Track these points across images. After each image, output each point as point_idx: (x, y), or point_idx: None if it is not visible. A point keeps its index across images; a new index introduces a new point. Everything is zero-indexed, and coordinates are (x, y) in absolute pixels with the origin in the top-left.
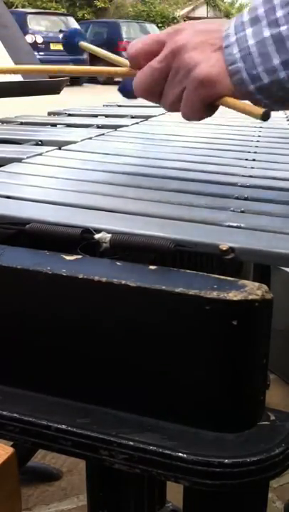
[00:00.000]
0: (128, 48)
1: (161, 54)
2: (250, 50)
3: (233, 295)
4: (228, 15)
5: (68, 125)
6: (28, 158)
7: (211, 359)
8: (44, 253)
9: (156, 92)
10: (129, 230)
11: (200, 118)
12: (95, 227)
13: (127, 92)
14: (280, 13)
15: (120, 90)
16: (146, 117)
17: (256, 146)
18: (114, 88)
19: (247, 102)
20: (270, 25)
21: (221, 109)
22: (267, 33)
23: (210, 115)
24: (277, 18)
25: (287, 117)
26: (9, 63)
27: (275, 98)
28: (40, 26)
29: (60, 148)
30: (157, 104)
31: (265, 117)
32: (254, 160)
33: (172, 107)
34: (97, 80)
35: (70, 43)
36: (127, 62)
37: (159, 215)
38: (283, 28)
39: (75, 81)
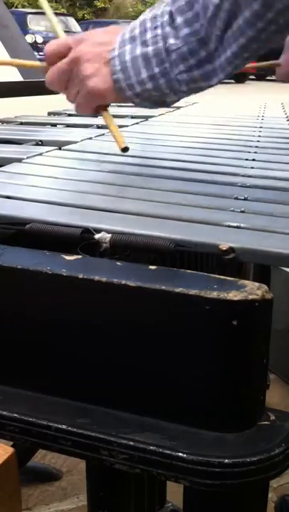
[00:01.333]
0: (46, 47)
1: (66, 59)
2: (127, 65)
3: (233, 295)
4: None
5: (68, 125)
6: (28, 158)
7: (211, 359)
8: (44, 253)
9: (62, 87)
10: (129, 230)
11: (89, 113)
12: (95, 227)
13: None
14: (148, 35)
15: None
16: (146, 117)
17: (256, 146)
18: None
19: (116, 130)
20: (142, 44)
21: (222, 109)
22: (138, 51)
23: (96, 113)
24: (146, 40)
25: (287, 117)
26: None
27: (151, 101)
28: (40, 26)
29: (60, 148)
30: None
31: (124, 151)
32: (254, 160)
33: (72, 102)
34: None
35: None
36: (39, 64)
37: (159, 215)
38: (150, 49)
39: None
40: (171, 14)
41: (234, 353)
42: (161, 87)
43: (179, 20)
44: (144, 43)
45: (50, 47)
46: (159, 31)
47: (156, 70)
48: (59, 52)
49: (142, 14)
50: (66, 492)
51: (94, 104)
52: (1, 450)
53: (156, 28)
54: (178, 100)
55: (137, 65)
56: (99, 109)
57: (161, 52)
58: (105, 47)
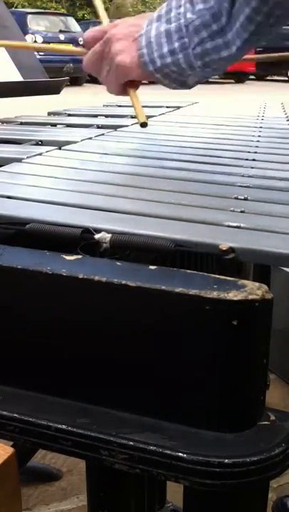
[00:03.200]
0: (84, 34)
1: (101, 41)
2: (151, 40)
3: (233, 295)
4: None
5: (68, 125)
6: (28, 158)
7: (211, 359)
8: (44, 253)
9: (96, 68)
10: (129, 230)
11: (117, 93)
12: (95, 227)
13: None
14: (173, 13)
15: None
16: (147, 117)
17: (256, 146)
18: None
19: (139, 107)
20: (166, 22)
21: (222, 109)
22: (162, 27)
23: (124, 94)
24: (170, 17)
25: (287, 117)
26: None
27: (171, 79)
28: (40, 26)
29: (60, 148)
30: (157, 105)
31: (142, 125)
32: (254, 160)
33: (104, 82)
34: (98, 80)
35: None
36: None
37: (159, 215)
38: (172, 25)
39: (75, 81)
40: None
41: (234, 353)
42: (179, 62)
43: None
44: (168, 21)
45: (89, 33)
46: (182, 9)
47: (176, 44)
48: (96, 37)
49: None
50: (66, 492)
51: (122, 80)
52: (1, 450)
53: (180, 6)
54: (197, 81)
55: (159, 41)
56: (127, 88)
57: (182, 28)
58: (136, 27)
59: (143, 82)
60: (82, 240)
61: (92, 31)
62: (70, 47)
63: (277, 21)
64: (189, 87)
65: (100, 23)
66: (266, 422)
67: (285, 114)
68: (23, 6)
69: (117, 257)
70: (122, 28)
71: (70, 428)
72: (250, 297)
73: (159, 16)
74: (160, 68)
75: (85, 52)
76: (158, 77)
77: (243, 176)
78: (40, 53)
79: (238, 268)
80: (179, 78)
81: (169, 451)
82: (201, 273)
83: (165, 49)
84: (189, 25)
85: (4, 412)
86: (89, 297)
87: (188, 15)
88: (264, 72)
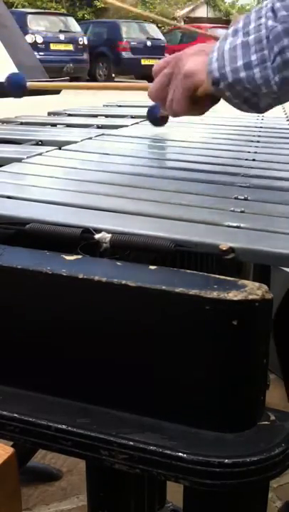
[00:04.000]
0: (154, 66)
1: (169, 65)
2: (224, 54)
3: (233, 295)
4: (228, 15)
5: (68, 125)
6: (28, 158)
7: (211, 359)
8: (44, 253)
9: (164, 95)
10: (129, 230)
11: (186, 112)
12: (95, 227)
13: (155, 119)
14: (252, 25)
15: (149, 119)
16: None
17: (256, 146)
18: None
19: None
20: (244, 34)
21: (221, 109)
22: (239, 40)
23: (194, 112)
24: (249, 30)
25: (287, 117)
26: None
27: (242, 98)
28: (40, 26)
29: (60, 148)
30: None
31: None
32: (254, 160)
33: (170, 107)
34: (97, 80)
35: (151, 116)
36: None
37: (159, 215)
38: (251, 37)
39: (75, 81)
40: (273, 3)
41: (234, 353)
42: (254, 77)
43: (278, 4)
44: (247, 33)
45: (157, 64)
46: (262, 20)
47: (254, 56)
48: (165, 64)
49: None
50: (66, 492)
51: (188, 90)
52: (1, 450)
53: (260, 17)
54: (270, 104)
55: (234, 54)
56: (196, 98)
57: (262, 39)
58: (208, 48)
59: (143, 81)
60: (82, 240)
61: (162, 60)
62: (135, 84)
63: None
64: (261, 110)
65: (101, 22)
66: (266, 422)
67: (285, 114)
68: (23, 6)
69: (117, 257)
70: (193, 49)
71: (70, 428)
72: (250, 297)
73: (235, 31)
74: (231, 85)
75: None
76: (228, 96)
77: (243, 175)
78: (40, 53)
79: (238, 268)
80: (251, 98)
81: (169, 451)
82: (201, 273)
83: (240, 62)
84: (270, 34)
85: (4, 412)
86: (89, 297)
87: (270, 22)
88: None
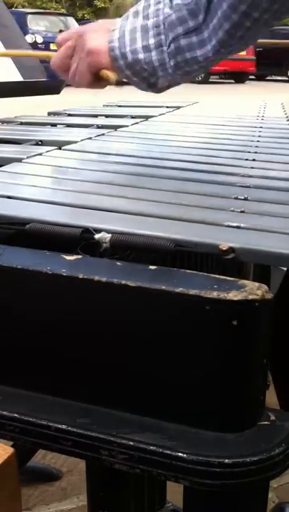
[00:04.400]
0: (58, 36)
1: (72, 38)
2: (124, 34)
3: (233, 295)
4: None
5: (68, 125)
6: (28, 158)
7: (211, 359)
8: (44, 253)
9: (66, 64)
10: (129, 230)
11: (89, 86)
12: (95, 227)
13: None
14: (151, 9)
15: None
16: (146, 117)
17: (256, 146)
18: (114, 88)
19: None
20: (144, 18)
21: (222, 109)
22: (139, 23)
23: (99, 87)
24: (149, 13)
25: (287, 117)
26: (9, 63)
27: (141, 77)
28: (40, 26)
29: (60, 148)
30: (157, 105)
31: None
32: (254, 160)
33: (73, 78)
34: None
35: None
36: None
37: (159, 215)
38: (150, 21)
39: None
40: None
41: (234, 353)
42: (152, 59)
43: None
44: (146, 17)
45: (61, 35)
46: (161, 5)
47: (152, 40)
48: (68, 36)
49: None
50: (66, 492)
51: (93, 69)
52: (1, 450)
53: (159, 2)
54: (167, 85)
55: (134, 36)
56: (98, 75)
57: (160, 24)
58: (110, 24)
59: None
60: (82, 240)
61: (66, 33)
62: (36, 52)
63: (253, 26)
64: (158, 90)
65: None
66: (266, 422)
67: (285, 114)
68: (23, 6)
69: (117, 257)
70: (96, 24)
71: (70, 428)
72: (250, 297)
73: (136, 12)
74: (130, 64)
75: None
76: (127, 74)
77: (243, 176)
78: None
79: (238, 268)
80: (149, 78)
81: (169, 451)
82: (201, 273)
83: (139, 44)
84: (166, 22)
85: (4, 412)
86: (89, 297)
87: (166, 9)
88: (264, 72)
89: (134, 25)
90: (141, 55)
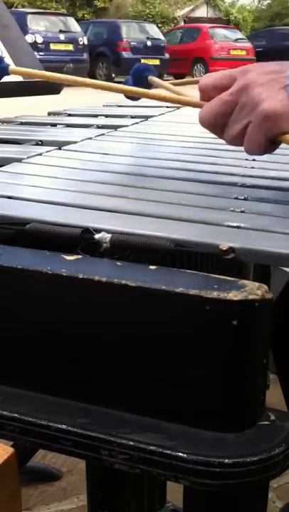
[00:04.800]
0: (201, 80)
1: (231, 88)
2: None
3: (233, 295)
4: (228, 15)
5: (68, 125)
6: (28, 158)
7: (211, 359)
8: (44, 253)
9: (221, 124)
10: (129, 230)
11: (262, 153)
12: (95, 227)
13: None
14: None
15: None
16: (146, 117)
17: None
18: None
19: None
20: None
21: None
22: None
23: (271, 151)
24: None
25: None
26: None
27: None
28: (40, 26)
29: (60, 148)
30: (157, 105)
31: None
32: (254, 160)
33: (234, 141)
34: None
35: (140, 77)
36: (195, 100)
37: (159, 215)
38: None
39: None
40: None
41: (234, 353)
42: None
43: None
44: None
45: (207, 79)
46: None
47: None
48: (220, 84)
49: None
50: (66, 492)
51: (270, 133)
52: (1, 450)
53: None
54: None
55: None
56: (276, 140)
57: None
58: (279, 74)
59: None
60: (82, 240)
61: (212, 77)
62: (178, 96)
63: None
64: None
65: (101, 22)
66: (266, 422)
67: None
68: (23, 6)
69: (117, 257)
70: (261, 74)
71: (70, 428)
72: (250, 297)
73: None
74: None
75: (201, 105)
76: None
77: (243, 176)
78: (40, 53)
79: (238, 268)
80: None
81: (169, 451)
82: (201, 273)
83: None
84: None
85: (4, 412)
86: (89, 297)
87: None
88: None
89: None
90: None
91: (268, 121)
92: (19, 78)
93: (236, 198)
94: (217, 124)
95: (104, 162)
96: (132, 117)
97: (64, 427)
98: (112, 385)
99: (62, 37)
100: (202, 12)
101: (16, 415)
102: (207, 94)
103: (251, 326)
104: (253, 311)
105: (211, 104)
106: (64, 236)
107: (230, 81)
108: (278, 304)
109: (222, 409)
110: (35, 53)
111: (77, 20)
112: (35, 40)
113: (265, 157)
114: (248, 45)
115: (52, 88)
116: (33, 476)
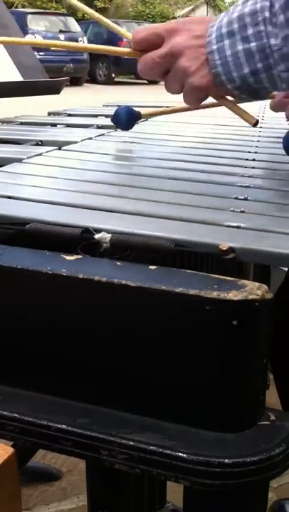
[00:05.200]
0: (134, 33)
1: (161, 50)
2: (227, 59)
3: (233, 295)
4: None
5: (68, 125)
6: (28, 158)
7: (211, 359)
8: (44, 253)
9: (157, 76)
10: (129, 230)
11: (198, 105)
12: (95, 227)
13: (120, 123)
14: (250, 31)
15: (114, 122)
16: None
17: (256, 146)
18: (114, 88)
19: (240, 109)
20: (243, 40)
21: (221, 109)
22: (240, 46)
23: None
24: (248, 36)
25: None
26: (9, 63)
27: (248, 93)
28: (40, 26)
29: (60, 149)
30: (157, 105)
31: (255, 125)
32: (254, 160)
33: (175, 93)
34: (97, 80)
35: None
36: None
37: (159, 215)
38: (252, 45)
39: (75, 81)
40: (271, 10)
41: (234, 353)
42: (262, 81)
43: (281, 18)
44: (246, 39)
45: (140, 34)
46: (261, 27)
47: (260, 65)
48: (150, 40)
49: (234, 6)
50: (66, 492)
51: (198, 98)
52: (1, 450)
53: (257, 24)
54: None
55: (238, 60)
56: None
57: (266, 48)
58: (201, 40)
59: (143, 81)
60: (82, 240)
61: (144, 32)
62: (117, 49)
63: None
64: (262, 98)
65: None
66: (266, 422)
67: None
68: (23, 6)
69: (117, 257)
70: (184, 40)
71: (70, 428)
72: (250, 297)
73: (231, 32)
74: (240, 86)
75: (135, 53)
76: (236, 93)
77: (243, 175)
78: (40, 53)
79: (238, 268)
80: (258, 92)
81: (169, 451)
82: (201, 273)
83: (246, 70)
84: (275, 51)
85: (4, 412)
86: (89, 297)
87: (272, 41)
88: None
89: (234, 48)
90: (251, 79)
91: (196, 91)
92: (19, 78)
93: (236, 198)
94: (154, 77)
95: (104, 162)
96: None
97: (64, 427)
98: (112, 385)
99: (62, 37)
100: (202, 12)
101: (16, 415)
102: (140, 46)
103: (251, 326)
104: (253, 311)
105: (147, 62)
106: (64, 236)
107: (159, 40)
108: (276, 303)
109: (222, 409)
110: (35, 53)
111: (77, 20)
112: None
113: (265, 157)
114: None
115: (52, 88)
116: (33, 476)
